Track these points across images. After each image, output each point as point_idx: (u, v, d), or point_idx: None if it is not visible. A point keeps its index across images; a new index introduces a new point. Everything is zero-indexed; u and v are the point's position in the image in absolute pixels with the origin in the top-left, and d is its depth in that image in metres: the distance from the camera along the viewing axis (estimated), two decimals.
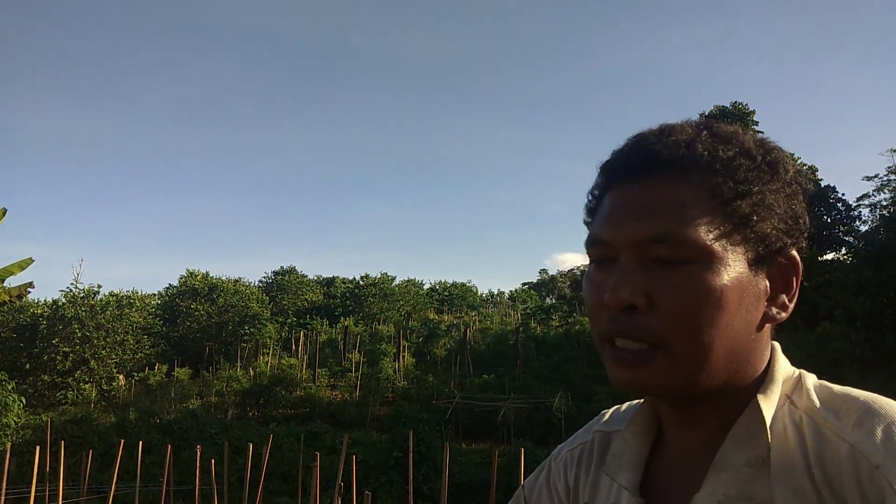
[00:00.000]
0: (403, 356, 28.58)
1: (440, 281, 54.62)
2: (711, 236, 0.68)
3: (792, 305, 0.73)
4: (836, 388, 0.71)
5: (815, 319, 19.72)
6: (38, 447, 9.05)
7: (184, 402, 23.71)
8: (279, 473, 17.09)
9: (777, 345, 0.76)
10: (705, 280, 0.67)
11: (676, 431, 0.77)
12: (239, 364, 28.61)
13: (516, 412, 21.17)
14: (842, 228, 27.39)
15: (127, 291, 31.71)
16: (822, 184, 28.25)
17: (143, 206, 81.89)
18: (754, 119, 29.47)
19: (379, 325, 37.29)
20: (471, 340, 30.80)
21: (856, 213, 27.40)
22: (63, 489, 7.89)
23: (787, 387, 0.72)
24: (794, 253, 0.73)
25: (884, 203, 24.68)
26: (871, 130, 74.79)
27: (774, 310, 0.72)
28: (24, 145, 69.14)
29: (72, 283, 29.15)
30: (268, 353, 30.51)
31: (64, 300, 28.35)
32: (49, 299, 29.13)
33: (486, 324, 38.73)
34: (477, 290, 58.39)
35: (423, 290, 50.12)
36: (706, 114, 29.83)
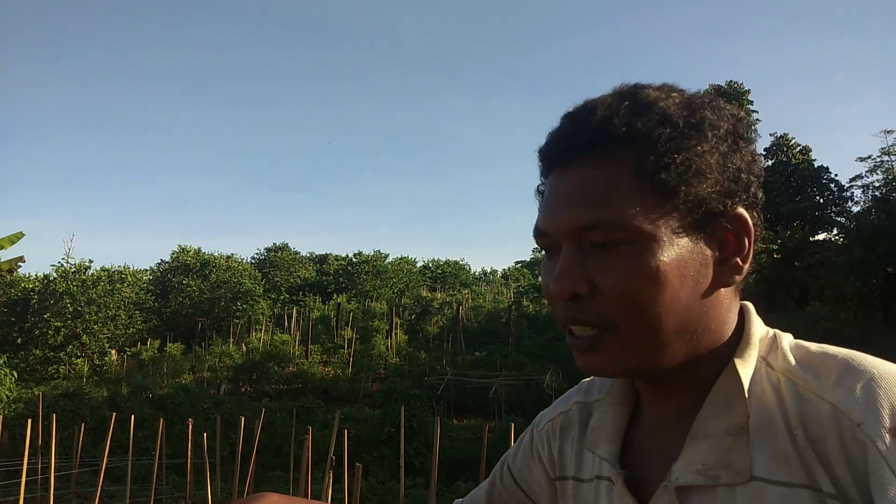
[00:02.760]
0: (396, 333, 28.68)
1: (433, 259, 54.68)
2: (640, 215, 0.67)
3: (746, 266, 0.71)
4: (813, 346, 0.70)
5: (805, 299, 19.87)
6: (30, 420, 9.07)
7: (176, 377, 23.75)
8: (272, 448, 17.19)
9: (750, 305, 0.75)
10: (641, 260, 0.67)
11: (652, 403, 0.76)
12: (231, 340, 28.64)
13: (507, 389, 21.32)
14: (834, 209, 27.52)
15: (118, 267, 31.58)
16: (816, 164, 28.34)
17: (134, 181, 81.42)
18: (749, 98, 29.44)
19: (372, 302, 37.34)
20: (463, 318, 30.92)
21: (848, 193, 27.54)
22: (55, 462, 7.91)
23: (762, 348, 0.71)
24: (741, 211, 0.70)
25: (876, 184, 24.77)
26: (866, 111, 74.71)
27: (726, 273, 0.70)
28: (13, 118, 68.36)
29: (63, 258, 29.05)
30: (260, 330, 30.55)
31: (55, 275, 28.24)
32: (40, 274, 29.04)
33: (478, 302, 38.85)
34: (470, 269, 58.52)
35: (416, 267, 50.18)
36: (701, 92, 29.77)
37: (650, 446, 0.76)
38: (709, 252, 0.69)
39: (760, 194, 0.73)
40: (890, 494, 0.56)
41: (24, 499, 8.27)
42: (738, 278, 0.71)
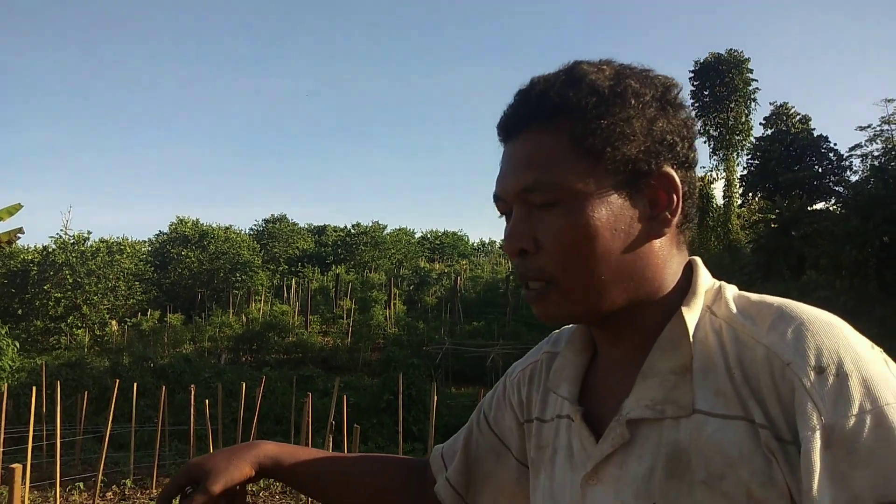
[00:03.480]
0: (394, 304, 28.80)
1: (432, 230, 54.70)
2: (574, 176, 0.75)
3: (675, 219, 0.78)
4: (753, 296, 0.77)
5: (801, 268, 19.95)
6: (34, 388, 9.19)
7: (177, 347, 23.91)
8: (272, 415, 17.39)
9: (698, 260, 0.82)
10: (574, 217, 0.75)
11: (605, 347, 0.84)
12: (231, 310, 28.77)
13: (504, 357, 21.50)
14: (832, 178, 27.44)
15: (117, 238, 31.60)
16: (815, 134, 28.21)
17: (131, 153, 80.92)
18: (749, 67, 29.18)
19: (370, 273, 37.43)
20: (461, 288, 31.03)
21: (847, 163, 27.45)
22: (60, 429, 8.05)
23: (708, 298, 0.78)
24: (668, 170, 0.77)
25: (875, 153, 24.70)
26: (867, 81, 74.12)
27: (656, 227, 0.77)
28: (7, 89, 67.70)
29: (61, 230, 29.03)
30: (260, 300, 30.66)
31: (54, 246, 28.25)
32: (39, 245, 29.05)
33: (476, 272, 38.93)
34: (468, 239, 58.57)
35: (414, 238, 50.19)
36: (701, 61, 29.54)
37: (605, 386, 0.83)
38: (639, 208, 0.76)
39: (692, 155, 0.80)
40: (811, 422, 0.63)
41: (31, 464, 8.43)
42: (666, 230, 0.77)
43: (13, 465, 2.01)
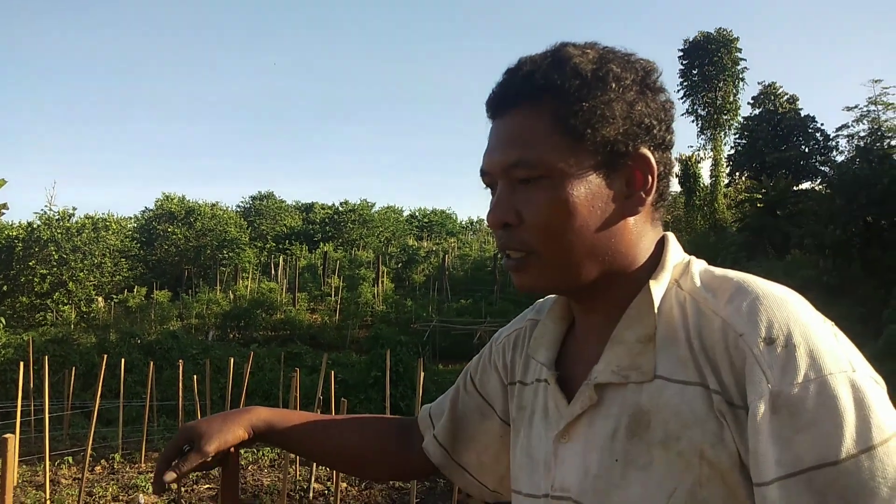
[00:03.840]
0: (382, 281, 28.83)
1: (420, 208, 54.60)
2: (556, 155, 0.79)
3: (650, 198, 0.82)
4: (718, 271, 0.82)
5: (785, 248, 20.14)
6: (21, 364, 9.18)
7: (164, 323, 23.85)
8: (260, 391, 17.44)
9: (670, 235, 0.87)
10: (555, 193, 0.79)
11: (581, 316, 0.90)
12: (219, 288, 28.69)
13: (491, 335, 21.47)
14: (819, 159, 27.61)
15: (102, 214, 31.33)
16: (802, 114, 28.32)
17: (116, 128, 79.93)
18: (738, 46, 29.18)
19: (358, 251, 37.38)
20: (449, 266, 31.10)
21: (834, 143, 27.60)
22: (48, 404, 8.06)
23: (676, 272, 0.83)
24: (645, 151, 0.81)
25: (861, 134, 24.80)
26: (855, 61, 74.26)
27: (631, 205, 0.82)
28: None
29: (46, 206, 28.78)
30: (247, 278, 30.59)
31: (39, 222, 27.99)
32: (24, 221, 28.77)
33: (464, 250, 38.96)
34: (457, 218, 58.52)
35: (402, 216, 50.06)
36: (690, 40, 29.49)
37: (580, 353, 0.89)
38: (615, 187, 0.81)
39: (669, 137, 0.84)
40: (759, 389, 0.68)
41: (20, 439, 8.45)
42: (640, 209, 0.82)
43: (6, 436, 2.03)
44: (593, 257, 0.81)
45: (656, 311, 0.79)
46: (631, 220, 0.82)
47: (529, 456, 0.90)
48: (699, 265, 0.84)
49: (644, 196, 0.82)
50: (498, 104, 0.84)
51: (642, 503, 0.74)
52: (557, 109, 0.79)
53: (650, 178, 0.82)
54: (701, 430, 0.72)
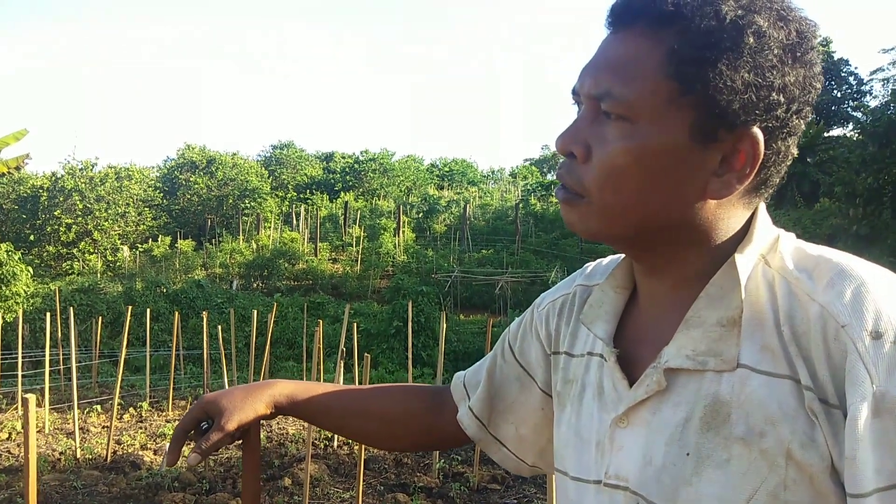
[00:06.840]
0: (403, 231, 28.90)
1: (440, 157, 54.29)
2: (652, 98, 0.67)
3: (741, 187, 0.69)
4: (812, 249, 0.71)
5: (815, 196, 19.73)
6: (48, 313, 9.33)
7: (188, 273, 24.21)
8: (284, 340, 17.75)
9: (762, 206, 0.74)
10: (632, 143, 0.68)
11: (644, 280, 0.79)
12: (241, 237, 28.97)
13: (513, 286, 21.68)
14: (851, 104, 26.81)
15: (124, 164, 31.54)
16: (835, 57, 27.39)
17: (135, 80, 79.78)
18: None
19: (379, 200, 37.39)
20: (470, 216, 31.04)
21: (868, 87, 26.73)
22: (76, 353, 8.20)
23: (764, 247, 0.72)
24: (756, 131, 0.67)
25: None
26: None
27: (718, 187, 0.69)
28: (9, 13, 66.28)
29: (69, 156, 28.99)
30: (269, 227, 30.82)
31: (63, 172, 28.26)
32: (48, 172, 29.06)
33: (486, 200, 38.87)
34: (477, 167, 58.16)
35: (423, 166, 49.88)
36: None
37: (643, 328, 0.79)
38: (708, 160, 0.68)
39: (796, 122, 0.69)
40: (862, 389, 0.60)
41: (49, 388, 8.64)
42: (726, 194, 0.69)
43: (27, 395, 2.02)
44: (652, 228, 0.71)
45: (742, 290, 0.68)
46: (712, 202, 0.70)
47: (578, 435, 0.82)
48: (790, 239, 0.73)
49: (735, 183, 0.69)
50: (617, 16, 0.71)
51: (717, 503, 0.67)
52: (677, 47, 0.66)
53: (751, 163, 0.68)
54: (790, 427, 0.64)
